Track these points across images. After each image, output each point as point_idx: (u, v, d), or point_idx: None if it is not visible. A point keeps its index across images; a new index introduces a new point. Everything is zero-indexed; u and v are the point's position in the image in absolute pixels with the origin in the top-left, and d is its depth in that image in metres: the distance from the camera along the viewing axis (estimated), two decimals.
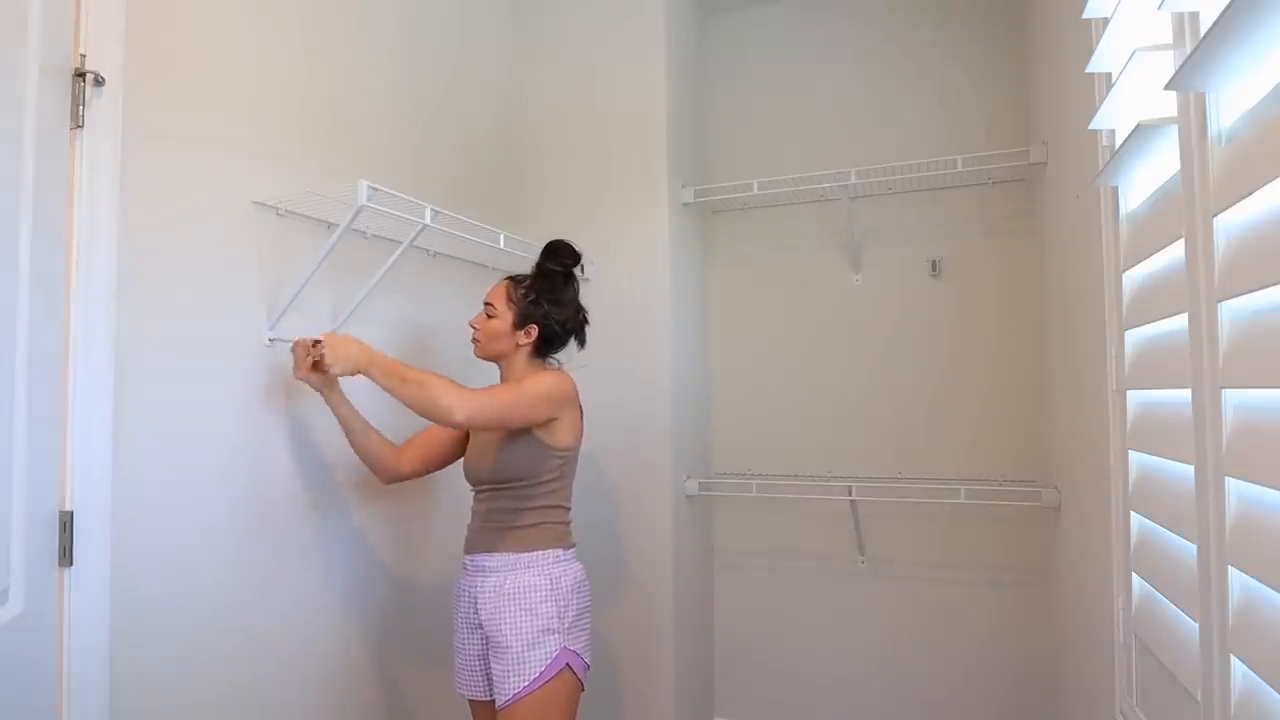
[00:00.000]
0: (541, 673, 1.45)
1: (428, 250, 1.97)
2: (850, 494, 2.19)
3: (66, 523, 1.13)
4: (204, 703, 1.34)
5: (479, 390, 1.48)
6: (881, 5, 2.42)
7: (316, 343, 1.45)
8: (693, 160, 2.48)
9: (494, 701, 1.50)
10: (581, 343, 1.70)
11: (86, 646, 1.14)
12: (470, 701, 1.62)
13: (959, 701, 2.24)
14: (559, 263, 1.64)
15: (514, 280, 1.64)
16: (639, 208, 2.26)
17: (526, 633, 1.47)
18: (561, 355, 1.69)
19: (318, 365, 1.46)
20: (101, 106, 1.17)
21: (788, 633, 2.44)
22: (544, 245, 1.67)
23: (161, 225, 1.29)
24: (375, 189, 1.36)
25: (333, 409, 1.56)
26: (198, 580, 1.34)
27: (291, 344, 1.50)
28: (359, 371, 1.40)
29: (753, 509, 2.48)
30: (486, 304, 1.63)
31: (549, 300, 1.61)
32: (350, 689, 1.69)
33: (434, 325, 2.01)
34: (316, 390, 1.53)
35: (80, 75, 1.15)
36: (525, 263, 1.97)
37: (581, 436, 1.63)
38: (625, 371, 2.24)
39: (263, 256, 1.48)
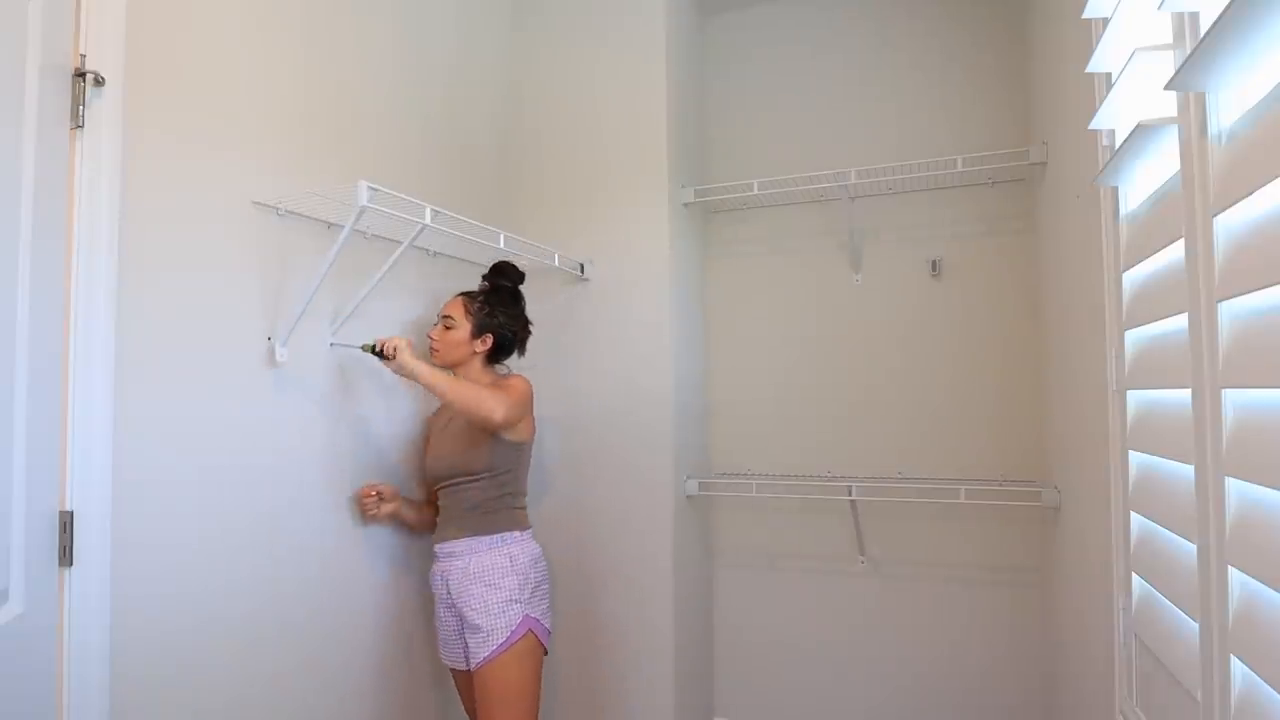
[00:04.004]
0: (509, 637, 1.66)
1: (428, 250, 1.97)
2: (850, 494, 2.19)
3: (66, 523, 1.13)
4: (204, 703, 1.34)
5: (497, 393, 1.68)
6: (882, 5, 2.42)
7: (378, 352, 1.61)
8: (693, 160, 2.48)
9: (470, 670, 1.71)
10: (522, 352, 1.93)
11: (86, 646, 1.14)
12: (452, 670, 1.83)
13: (959, 701, 2.24)
14: (509, 279, 1.89)
15: (468, 295, 1.84)
16: (639, 208, 2.26)
17: (493, 604, 1.68)
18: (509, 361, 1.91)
19: (382, 505, 1.71)
20: (101, 106, 1.17)
21: (788, 632, 2.44)
22: (491, 266, 1.91)
23: (162, 225, 1.29)
24: (375, 189, 1.35)
25: (405, 522, 1.82)
26: (198, 580, 1.34)
27: (356, 496, 1.71)
28: (412, 375, 1.58)
29: (753, 509, 2.48)
30: (444, 316, 1.82)
31: (504, 312, 1.84)
32: (352, 691, 1.69)
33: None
34: (389, 517, 1.76)
35: (80, 75, 1.15)
36: (525, 262, 1.98)
37: (534, 432, 1.85)
38: (625, 372, 2.24)
39: (263, 256, 1.48)
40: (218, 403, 1.38)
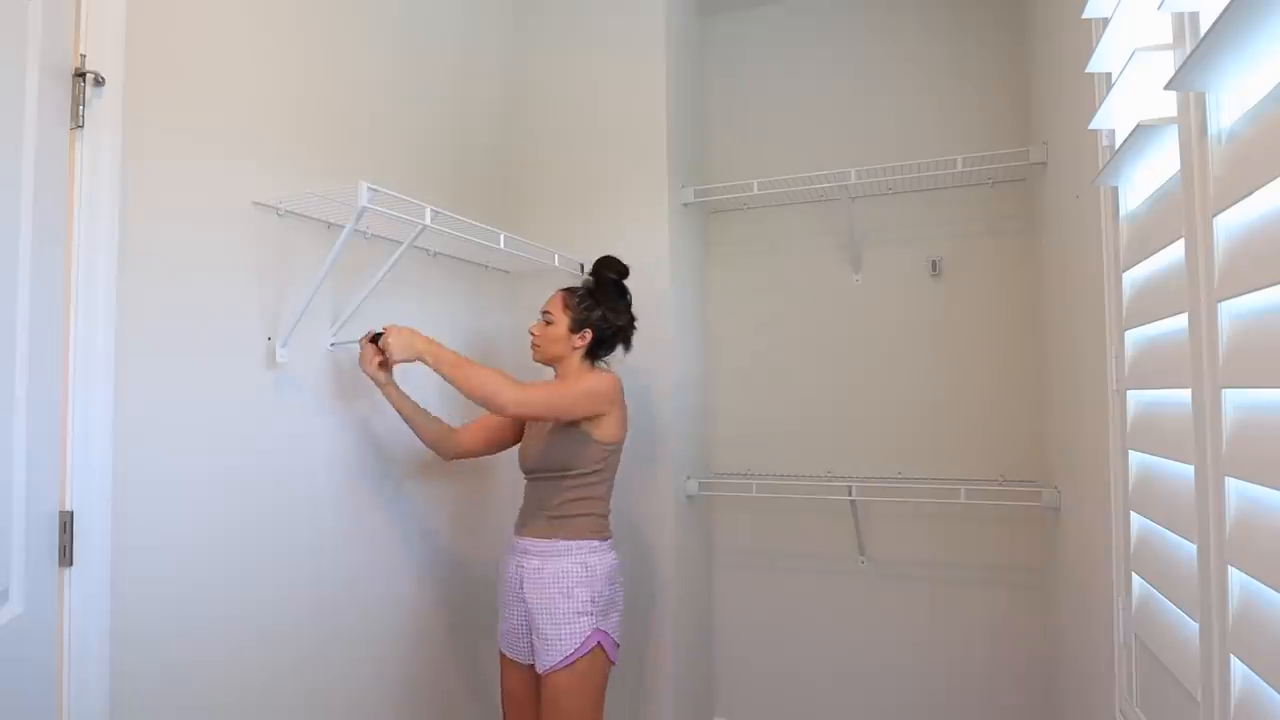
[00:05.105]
0: (574, 650, 1.61)
1: (428, 250, 1.97)
2: (850, 494, 2.19)
3: (66, 523, 1.13)
4: (204, 704, 1.34)
5: (527, 383, 1.63)
6: (882, 5, 2.42)
7: (377, 336, 1.57)
8: (692, 160, 2.48)
9: (533, 665, 1.70)
10: (628, 347, 1.87)
11: (86, 646, 1.14)
12: (507, 659, 1.77)
13: (959, 701, 2.24)
14: (614, 270, 1.83)
15: (569, 291, 1.81)
16: (639, 208, 2.26)
17: (562, 614, 1.64)
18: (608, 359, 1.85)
19: (384, 364, 1.61)
20: (101, 106, 1.17)
21: (788, 633, 2.44)
22: (595, 260, 1.85)
23: (162, 225, 1.29)
24: (375, 190, 1.35)
25: (392, 404, 1.70)
26: (198, 580, 1.34)
27: (358, 340, 1.64)
28: (417, 357, 1.55)
29: (753, 509, 2.48)
30: (545, 312, 1.80)
31: (608, 306, 1.79)
32: (358, 691, 1.69)
33: (435, 325, 2.01)
34: (377, 385, 1.65)
35: (80, 75, 1.14)
36: (525, 263, 1.99)
37: (626, 433, 1.77)
38: (626, 371, 2.23)
39: (263, 257, 1.48)
40: (218, 403, 1.38)
